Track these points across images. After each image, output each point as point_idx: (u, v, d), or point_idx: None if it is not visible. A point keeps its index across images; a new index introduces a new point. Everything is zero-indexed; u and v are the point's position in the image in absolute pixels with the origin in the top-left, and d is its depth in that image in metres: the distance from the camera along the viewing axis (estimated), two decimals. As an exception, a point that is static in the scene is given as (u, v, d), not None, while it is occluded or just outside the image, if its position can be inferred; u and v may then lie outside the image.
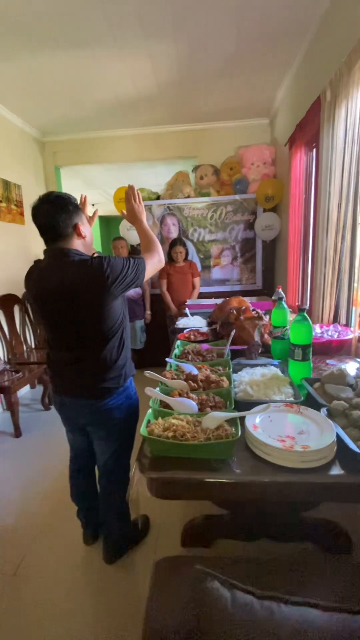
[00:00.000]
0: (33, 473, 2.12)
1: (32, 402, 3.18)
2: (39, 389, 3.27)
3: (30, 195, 3.55)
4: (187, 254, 3.35)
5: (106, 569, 1.43)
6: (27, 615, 1.27)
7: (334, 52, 1.85)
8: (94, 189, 6.02)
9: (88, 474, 1.50)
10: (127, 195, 1.39)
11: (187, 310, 2.47)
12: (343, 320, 1.82)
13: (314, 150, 2.35)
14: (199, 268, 3.55)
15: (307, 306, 1.72)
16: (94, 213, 1.51)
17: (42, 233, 1.17)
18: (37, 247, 3.56)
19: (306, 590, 0.79)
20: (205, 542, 1.45)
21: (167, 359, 1.44)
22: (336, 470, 0.82)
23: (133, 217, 1.40)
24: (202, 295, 3.43)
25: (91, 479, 1.52)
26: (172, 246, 3.28)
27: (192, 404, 1.03)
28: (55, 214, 1.13)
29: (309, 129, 2.25)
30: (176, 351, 1.58)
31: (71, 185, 4.59)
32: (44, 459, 2.27)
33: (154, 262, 1.31)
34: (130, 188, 1.40)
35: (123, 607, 1.27)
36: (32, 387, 3.49)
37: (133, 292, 3.37)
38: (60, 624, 1.24)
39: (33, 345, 3.45)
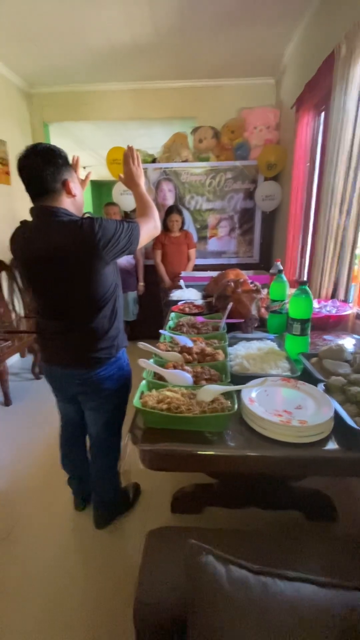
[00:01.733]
0: (24, 441, 2.12)
1: (22, 371, 3.15)
2: (29, 358, 3.23)
3: (17, 153, 3.31)
4: (183, 223, 3.21)
5: (97, 534, 1.46)
6: (18, 578, 1.30)
7: (352, 2, 1.67)
8: (85, 150, 5.67)
9: (79, 443, 1.50)
10: (126, 157, 1.28)
11: (181, 282, 2.40)
12: (341, 296, 1.79)
13: (323, 114, 2.20)
14: (195, 239, 3.43)
15: (307, 280, 1.67)
16: (87, 176, 1.39)
17: (28, 187, 1.07)
18: (25, 210, 3.35)
19: (292, 561, 0.80)
20: (194, 510, 1.49)
21: (161, 331, 1.39)
22: (332, 446, 0.81)
23: (131, 181, 1.30)
24: (197, 268, 3.34)
25: (82, 448, 1.51)
26: (168, 214, 3.14)
27: (187, 377, 1.00)
28: (42, 166, 1.03)
29: (319, 90, 2.09)
30: (170, 323, 1.53)
31: (60, 144, 4.21)
32: (35, 427, 2.27)
33: (150, 228, 1.23)
34: (129, 149, 1.28)
35: (112, 571, 1.31)
36: (22, 356, 3.44)
37: (126, 262, 3.26)
38: (50, 586, 1.27)
39: (22, 314, 3.36)
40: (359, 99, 1.53)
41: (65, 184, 1.08)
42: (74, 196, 1.12)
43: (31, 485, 1.75)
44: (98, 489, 1.43)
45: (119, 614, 1.16)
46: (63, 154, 1.09)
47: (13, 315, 3.18)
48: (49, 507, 1.61)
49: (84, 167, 6.39)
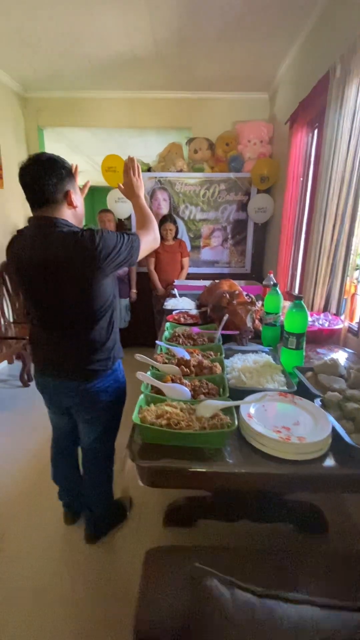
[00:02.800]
0: (11, 451, 2.06)
1: (10, 378, 3.07)
2: (18, 364, 3.16)
3: (10, 157, 3.28)
4: (177, 232, 3.23)
5: (87, 549, 1.42)
6: (3, 595, 1.26)
7: (348, 24, 1.74)
8: (79, 155, 5.65)
9: (71, 456, 1.47)
10: (126, 168, 1.28)
11: (175, 291, 2.41)
12: (333, 309, 1.82)
13: (316, 131, 2.26)
14: (189, 248, 3.45)
15: (302, 295, 1.69)
16: (85, 184, 1.38)
17: (29, 196, 1.05)
18: (17, 215, 3.33)
19: (291, 579, 0.80)
20: (187, 523, 1.47)
21: (157, 342, 1.39)
22: (330, 463, 0.82)
23: (131, 192, 1.30)
24: (189, 277, 3.35)
25: (74, 461, 1.48)
26: (162, 223, 3.15)
27: (185, 391, 0.99)
28: (45, 176, 1.02)
29: (313, 108, 2.16)
30: (166, 334, 1.53)
31: (55, 149, 4.22)
32: (22, 436, 2.21)
33: (149, 241, 1.23)
34: (130, 160, 1.29)
35: (103, 587, 1.28)
36: (10, 362, 3.36)
37: (119, 268, 3.24)
38: (38, 603, 1.23)
39: (11, 320, 3.30)
40: (353, 118, 1.58)
41: (67, 195, 1.07)
42: (75, 207, 1.11)
43: (18, 497, 1.70)
44: (90, 502, 1.40)
45: (110, 631, 1.13)
46: (67, 165, 1.08)
47: (2, 321, 3.11)
48: (37, 520, 1.57)
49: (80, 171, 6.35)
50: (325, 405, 0.98)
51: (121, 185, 1.32)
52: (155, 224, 1.28)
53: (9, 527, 1.54)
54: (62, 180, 1.05)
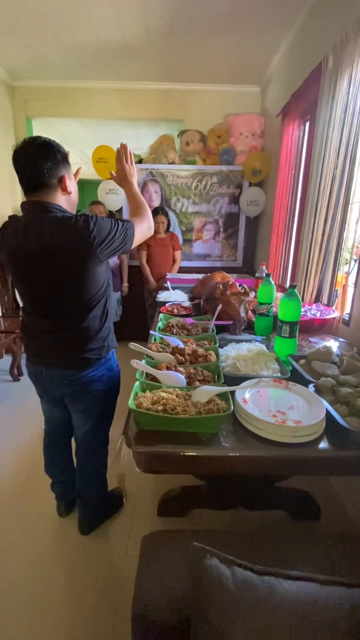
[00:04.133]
0: (2, 445, 2.03)
1: (0, 373, 3.02)
2: (7, 359, 3.10)
3: (-2, 147, 3.19)
4: (169, 224, 3.21)
5: (81, 540, 1.42)
6: (-1, 586, 1.25)
7: (340, 15, 1.74)
8: (69, 147, 5.52)
9: (64, 446, 1.45)
10: (119, 155, 1.26)
11: (167, 284, 2.40)
12: (325, 300, 1.84)
13: (308, 123, 2.27)
14: (181, 241, 3.43)
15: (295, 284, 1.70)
16: (77, 171, 1.36)
17: (22, 180, 1.03)
18: (3, 205, 3.25)
19: (288, 560, 0.81)
20: (181, 512, 1.48)
21: (151, 332, 1.38)
22: (324, 445, 0.83)
23: (123, 179, 1.28)
24: (182, 270, 3.34)
25: (67, 451, 1.47)
26: (154, 215, 3.10)
27: (180, 378, 0.99)
28: (40, 159, 1.00)
29: (305, 100, 2.16)
30: (160, 324, 1.52)
31: (44, 140, 4.18)
32: (13, 430, 2.18)
33: (143, 229, 1.22)
34: (123, 147, 1.27)
35: (99, 578, 1.27)
36: (0, 357, 3.30)
37: (110, 261, 3.21)
38: (32, 596, 1.22)
39: (1, 313, 3.24)
40: (345, 110, 1.59)
41: (61, 180, 1.05)
42: (69, 193, 1.09)
43: (11, 491, 1.68)
44: (84, 493, 1.39)
45: (107, 622, 1.13)
46: (62, 149, 1.06)
47: (-9, 314, 3.06)
48: (30, 513, 1.55)
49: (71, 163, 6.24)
50: (319, 391, 1.00)
51: (113, 173, 1.30)
52: (149, 212, 1.27)
53: (3, 519, 1.52)
54: (57, 164, 1.03)
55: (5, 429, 2.21)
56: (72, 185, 1.10)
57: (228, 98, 3.47)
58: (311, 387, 1.00)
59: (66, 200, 1.09)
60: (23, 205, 1.06)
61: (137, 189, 1.30)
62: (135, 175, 1.30)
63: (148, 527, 1.45)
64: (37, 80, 3.42)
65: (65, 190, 1.07)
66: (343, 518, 1.49)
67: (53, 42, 2.74)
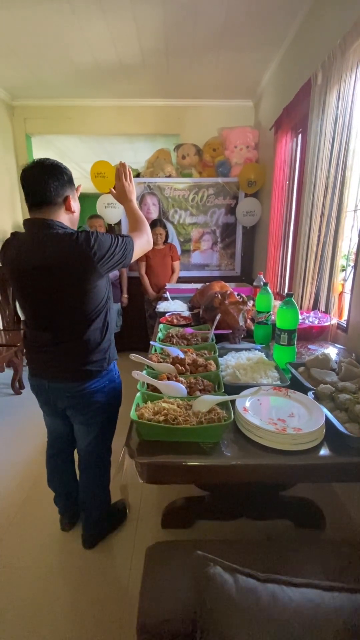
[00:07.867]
0: (4, 459, 2.02)
1: (2, 387, 3.02)
2: (9, 372, 3.11)
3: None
4: (167, 236, 3.26)
5: (85, 554, 1.40)
6: (3, 600, 1.23)
7: (328, 33, 1.81)
8: (67, 163, 5.64)
9: (67, 459, 1.45)
10: (118, 173, 1.31)
11: (167, 294, 2.43)
12: (322, 307, 1.86)
13: (300, 135, 2.33)
14: (179, 252, 3.48)
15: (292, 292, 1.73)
16: (77, 188, 1.40)
17: (28, 198, 1.07)
18: (4, 222, 3.30)
19: (290, 568, 0.81)
20: (185, 524, 1.47)
21: (151, 342, 1.40)
22: (324, 452, 0.84)
23: (123, 196, 1.33)
24: (180, 280, 3.38)
25: (70, 464, 1.47)
26: (152, 227, 3.16)
27: (181, 388, 1.00)
28: (47, 179, 1.05)
29: (296, 113, 2.22)
30: (160, 335, 1.54)
31: (43, 156, 4.26)
32: (16, 445, 2.18)
33: (142, 243, 1.25)
34: (122, 165, 1.32)
35: (103, 592, 1.26)
36: (1, 370, 3.31)
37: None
38: (36, 611, 1.20)
39: (2, 327, 3.26)
40: (335, 123, 1.64)
41: (66, 200, 1.10)
42: (72, 212, 1.14)
43: (14, 506, 1.67)
44: (87, 505, 1.39)
45: (112, 636, 1.11)
46: (68, 172, 1.11)
47: (-8, 328, 3.07)
48: (33, 528, 1.54)
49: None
50: (318, 398, 1.01)
51: (113, 190, 1.34)
52: (147, 227, 1.30)
53: (5, 535, 1.51)
54: (63, 185, 1.08)
55: (7, 443, 2.21)
56: (75, 205, 1.15)
57: (222, 112, 3.56)
58: (310, 395, 1.01)
59: (69, 219, 1.13)
60: (26, 222, 1.10)
61: (136, 205, 1.34)
62: (134, 192, 1.34)
63: (152, 539, 1.43)
64: (35, 99, 3.52)
65: (69, 209, 1.12)
66: (348, 526, 1.48)
67: (51, 63, 2.83)
